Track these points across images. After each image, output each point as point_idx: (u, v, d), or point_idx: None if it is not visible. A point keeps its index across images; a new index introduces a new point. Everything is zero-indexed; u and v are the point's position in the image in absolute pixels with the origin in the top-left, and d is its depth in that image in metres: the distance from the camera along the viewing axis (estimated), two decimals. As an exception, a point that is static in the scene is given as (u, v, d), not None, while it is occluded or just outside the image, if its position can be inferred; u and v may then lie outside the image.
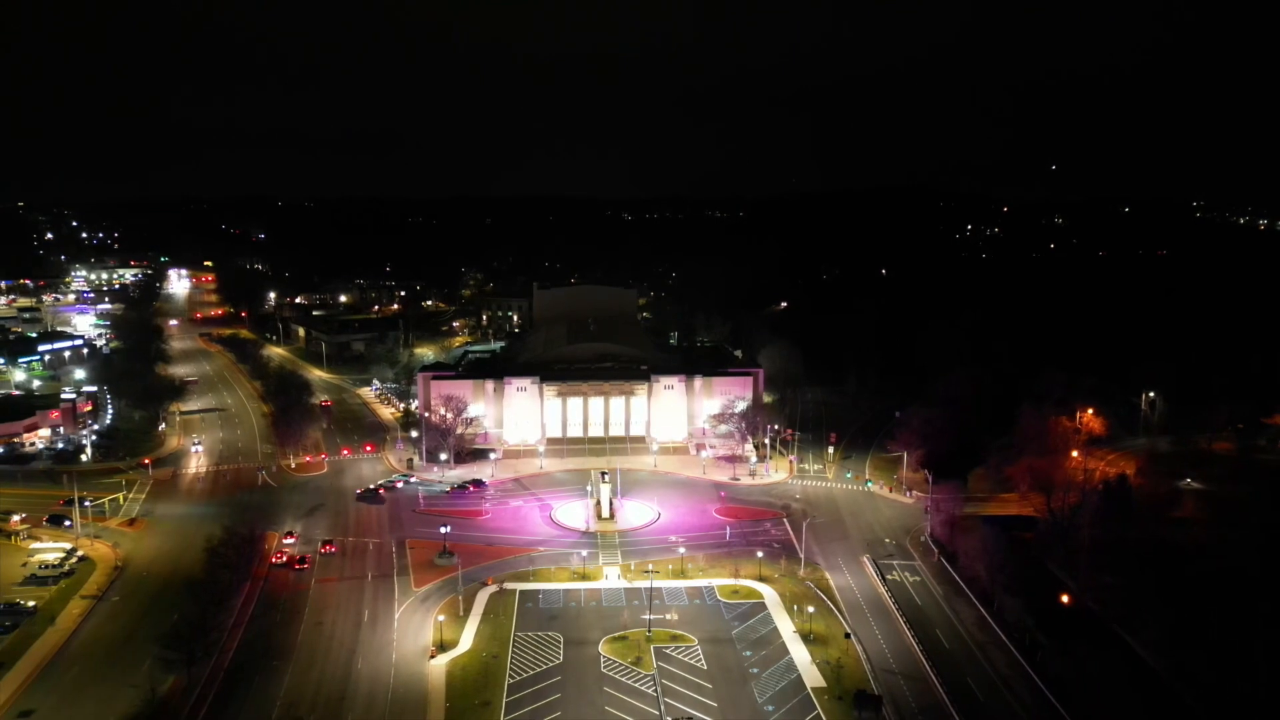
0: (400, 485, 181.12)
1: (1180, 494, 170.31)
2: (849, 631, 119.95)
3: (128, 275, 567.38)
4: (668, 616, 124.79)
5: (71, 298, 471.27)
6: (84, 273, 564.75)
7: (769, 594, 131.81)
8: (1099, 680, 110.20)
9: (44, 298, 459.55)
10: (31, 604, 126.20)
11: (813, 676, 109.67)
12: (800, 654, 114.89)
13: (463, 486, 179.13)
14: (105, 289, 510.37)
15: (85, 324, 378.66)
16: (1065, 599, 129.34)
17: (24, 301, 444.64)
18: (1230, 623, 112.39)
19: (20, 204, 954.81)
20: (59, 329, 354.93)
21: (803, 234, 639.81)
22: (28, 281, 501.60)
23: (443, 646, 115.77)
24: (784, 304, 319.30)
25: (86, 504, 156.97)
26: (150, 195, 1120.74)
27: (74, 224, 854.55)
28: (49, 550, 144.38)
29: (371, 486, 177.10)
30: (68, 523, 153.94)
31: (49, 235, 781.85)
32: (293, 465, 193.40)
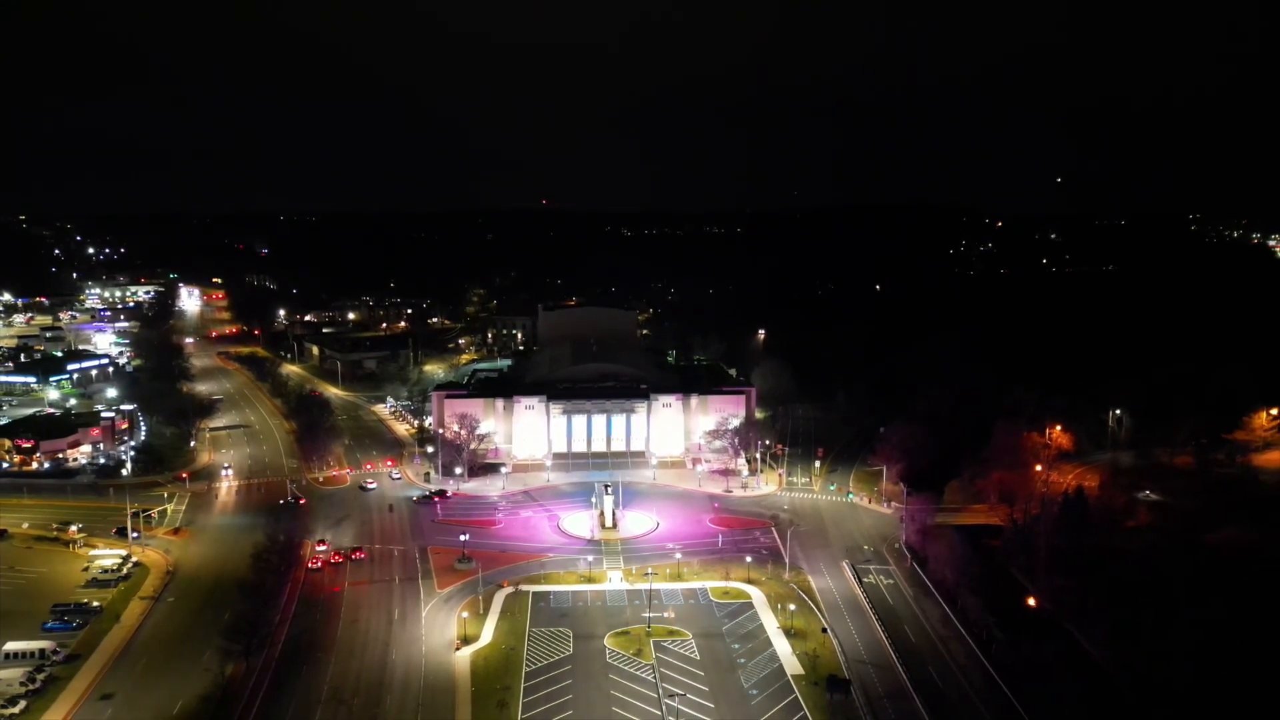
0: (373, 486, 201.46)
1: (1136, 504, 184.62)
2: (826, 627, 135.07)
3: (140, 293, 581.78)
4: (665, 614, 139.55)
5: (88, 315, 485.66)
6: (97, 290, 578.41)
7: (756, 595, 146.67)
8: (1046, 669, 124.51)
9: (61, 315, 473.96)
10: (96, 604, 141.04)
11: (792, 665, 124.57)
12: (782, 646, 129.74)
13: (428, 497, 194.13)
14: (120, 307, 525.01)
15: (105, 342, 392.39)
16: (1030, 601, 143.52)
17: (42, 320, 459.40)
18: (1163, 621, 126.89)
19: (22, 217, 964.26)
20: (81, 348, 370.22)
21: (799, 250, 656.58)
22: (44, 299, 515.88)
23: (466, 640, 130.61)
24: (762, 332, 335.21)
25: (151, 515, 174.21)
26: (152, 209, 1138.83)
27: (78, 238, 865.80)
28: (106, 556, 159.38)
29: (292, 496, 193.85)
30: (135, 534, 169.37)
31: (56, 251, 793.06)
32: (320, 479, 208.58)
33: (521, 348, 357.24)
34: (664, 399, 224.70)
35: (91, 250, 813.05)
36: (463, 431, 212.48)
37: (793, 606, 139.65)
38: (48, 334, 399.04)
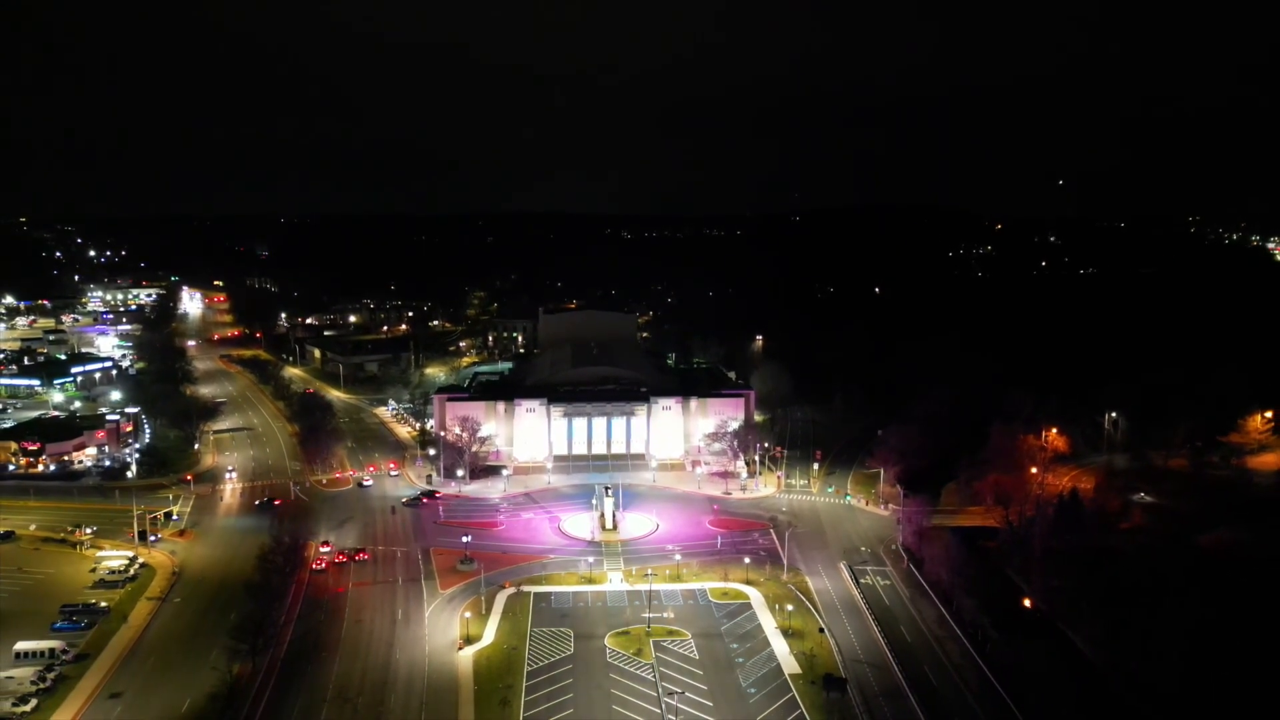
0: (370, 484, 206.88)
1: (1131, 506, 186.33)
2: (823, 627, 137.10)
3: (142, 295, 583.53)
4: (665, 615, 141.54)
5: (90, 318, 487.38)
6: (99, 293, 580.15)
7: (754, 595, 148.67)
8: (1040, 669, 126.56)
9: (63, 318, 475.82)
10: (104, 605, 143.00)
11: (790, 665, 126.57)
12: (780, 646, 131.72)
13: (416, 499, 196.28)
14: (122, 309, 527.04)
15: (107, 345, 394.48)
16: (1026, 602, 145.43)
17: (45, 323, 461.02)
18: (1155, 621, 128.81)
19: (22, 220, 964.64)
20: (84, 350, 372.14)
21: (799, 252, 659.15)
22: (46, 302, 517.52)
23: (469, 640, 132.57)
24: (760, 339, 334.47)
25: (172, 514, 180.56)
26: (152, 212, 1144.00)
27: (79, 241, 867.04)
28: (113, 558, 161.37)
29: (269, 497, 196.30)
30: (155, 537, 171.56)
31: (57, 254, 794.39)
32: (324, 481, 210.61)
33: (522, 350, 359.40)
34: (664, 402, 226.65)
35: (93, 253, 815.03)
36: (464, 434, 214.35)
37: (790, 607, 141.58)
38: (50, 337, 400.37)
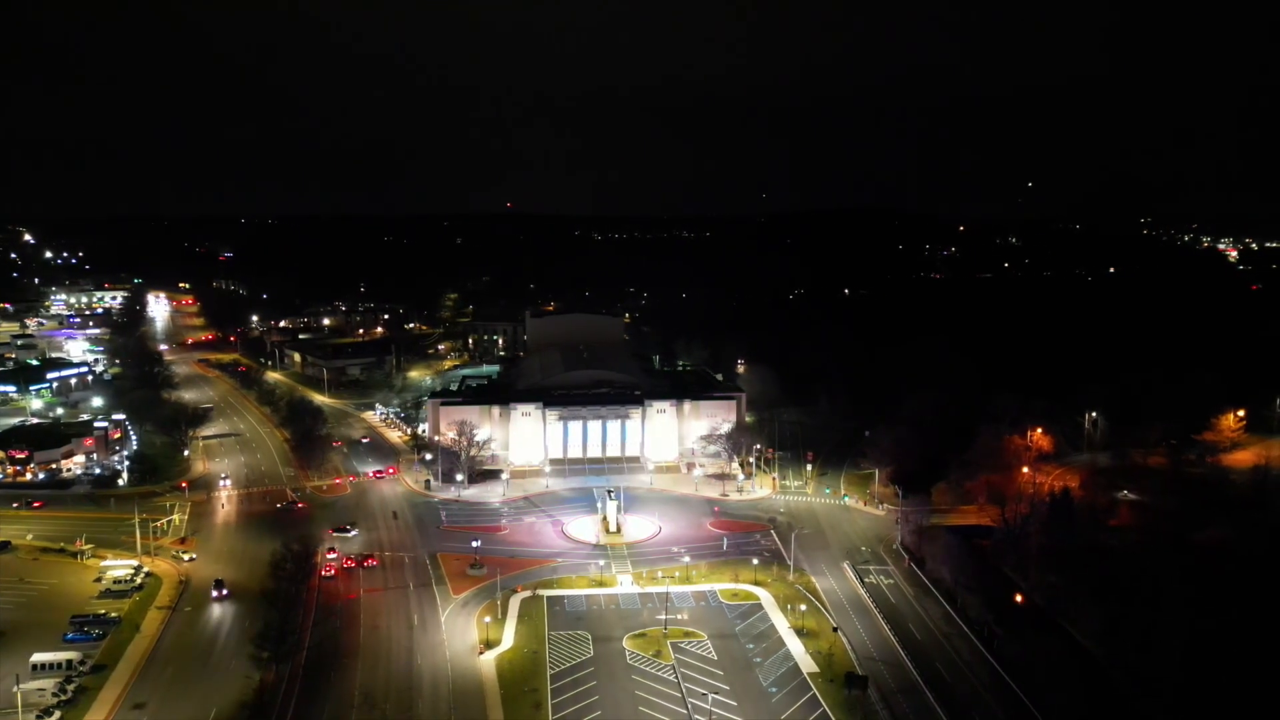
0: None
1: (1117, 504, 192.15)
2: (836, 626, 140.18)
3: (108, 298, 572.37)
4: (679, 616, 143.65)
5: (55, 322, 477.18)
6: (62, 296, 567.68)
7: (764, 596, 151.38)
8: (1046, 663, 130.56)
9: (28, 322, 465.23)
10: (114, 615, 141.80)
11: (807, 664, 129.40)
12: (795, 646, 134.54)
13: (292, 504, 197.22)
14: (88, 313, 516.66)
15: (78, 350, 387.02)
16: (1019, 597, 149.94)
17: (9, 326, 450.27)
18: (1151, 614, 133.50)
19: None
20: (55, 355, 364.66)
21: (768, 254, 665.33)
22: (7, 305, 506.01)
23: (489, 644, 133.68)
24: (741, 361, 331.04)
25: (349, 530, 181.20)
26: (108, 212, 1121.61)
27: (32, 243, 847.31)
28: (118, 567, 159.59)
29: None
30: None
31: (12, 255, 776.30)
32: (324, 487, 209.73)
33: (503, 354, 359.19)
34: (658, 405, 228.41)
35: (49, 254, 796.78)
36: (461, 438, 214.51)
37: (803, 607, 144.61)
38: (19, 341, 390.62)
